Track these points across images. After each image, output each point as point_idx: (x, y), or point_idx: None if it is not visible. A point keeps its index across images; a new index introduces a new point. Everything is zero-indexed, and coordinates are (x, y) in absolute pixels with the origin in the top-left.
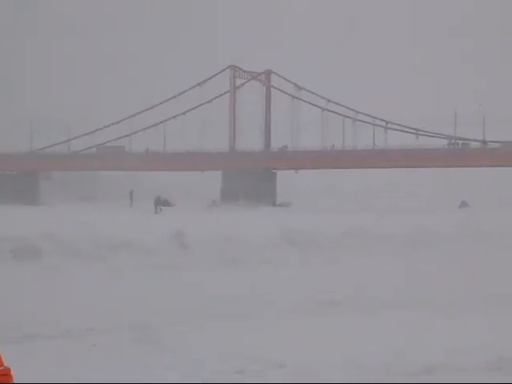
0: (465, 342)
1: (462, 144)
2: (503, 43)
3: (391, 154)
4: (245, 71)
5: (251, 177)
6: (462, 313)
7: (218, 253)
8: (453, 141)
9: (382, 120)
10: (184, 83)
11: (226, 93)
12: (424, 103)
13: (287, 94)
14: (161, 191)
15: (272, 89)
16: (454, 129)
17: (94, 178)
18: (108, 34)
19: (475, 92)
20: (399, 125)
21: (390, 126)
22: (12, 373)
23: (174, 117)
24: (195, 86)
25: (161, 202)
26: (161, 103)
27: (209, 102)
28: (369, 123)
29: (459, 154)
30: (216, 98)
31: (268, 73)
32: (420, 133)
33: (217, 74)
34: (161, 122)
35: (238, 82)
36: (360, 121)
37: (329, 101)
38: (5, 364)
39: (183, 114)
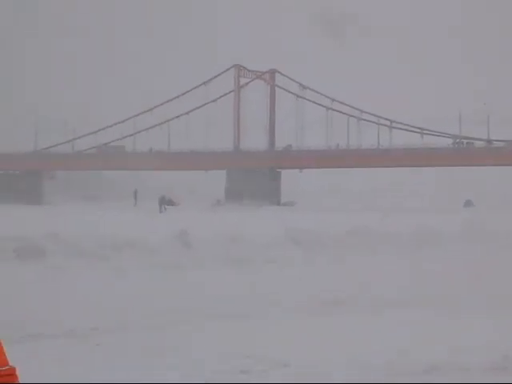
0: (469, 342)
1: (467, 143)
2: (504, 42)
3: (396, 153)
4: (249, 70)
5: (256, 176)
6: (466, 312)
7: (223, 252)
8: (457, 140)
9: (386, 119)
10: (184, 83)
11: (230, 92)
12: (427, 103)
13: (292, 93)
14: (165, 191)
15: (276, 88)
16: (459, 128)
17: (97, 178)
18: (108, 34)
19: (479, 91)
20: (404, 124)
21: (394, 125)
22: (17, 372)
23: (178, 116)
24: (200, 86)
25: (165, 202)
26: (165, 102)
27: (213, 101)
28: (373, 122)
29: (464, 153)
30: (220, 97)
31: (272, 72)
32: (425, 132)
33: (221, 74)
34: (165, 122)
35: (243, 81)
36: (364, 120)
37: (333, 100)
38: (10, 364)
39: (187, 113)
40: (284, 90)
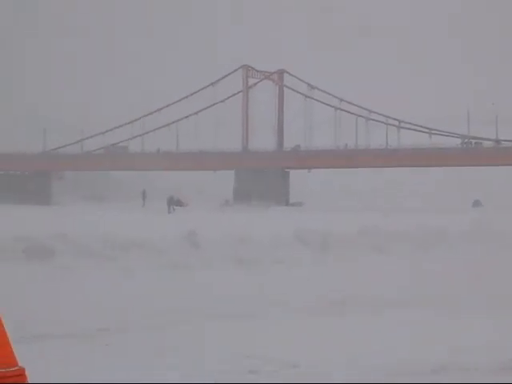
0: (481, 342)
1: (475, 143)
2: (509, 42)
3: (404, 153)
4: (257, 71)
5: (264, 176)
6: (477, 313)
7: (231, 252)
8: (466, 140)
9: (394, 119)
10: (184, 83)
11: (238, 92)
12: (433, 102)
13: (300, 93)
14: (173, 191)
15: (285, 88)
16: (468, 128)
17: (106, 178)
18: (108, 34)
19: (485, 91)
20: (412, 124)
21: (402, 125)
22: (26, 373)
23: (187, 116)
24: (208, 86)
25: (174, 202)
26: (173, 103)
27: (222, 101)
28: (382, 122)
29: (472, 153)
30: (229, 97)
31: (281, 72)
32: (433, 132)
33: (229, 74)
34: (173, 122)
35: (251, 81)
36: (373, 120)
37: (341, 100)
38: (19, 364)
39: (195, 113)
40: (292, 90)
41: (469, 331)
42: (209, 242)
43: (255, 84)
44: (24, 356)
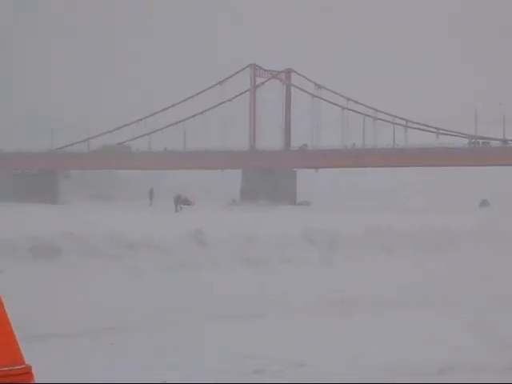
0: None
1: (483, 143)
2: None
3: (411, 152)
4: (265, 70)
5: (271, 176)
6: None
7: (238, 252)
8: (473, 140)
9: (402, 119)
10: (184, 83)
11: (246, 91)
12: (435, 103)
13: (307, 92)
14: (180, 190)
15: (292, 87)
16: (475, 127)
17: (112, 177)
18: (108, 34)
19: (488, 91)
20: (419, 123)
21: (410, 124)
22: (33, 371)
23: (194, 116)
24: (215, 85)
25: (181, 201)
26: (180, 102)
27: (229, 100)
28: (389, 122)
29: (480, 153)
30: (236, 96)
31: (288, 71)
32: (440, 132)
33: (237, 73)
34: (181, 121)
35: (258, 80)
36: (380, 119)
37: (348, 99)
38: (26, 362)
39: (201, 113)
40: (300, 89)
41: (475, 331)
42: (216, 241)
43: (262, 83)
44: (29, 354)
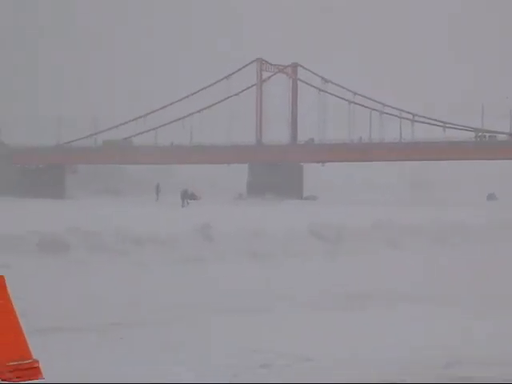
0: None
1: (489, 136)
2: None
3: (418, 146)
4: (271, 64)
5: (278, 170)
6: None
7: (245, 246)
8: (480, 133)
9: (408, 113)
10: (185, 83)
11: (252, 86)
12: (448, 98)
13: (314, 86)
14: (187, 185)
15: (298, 82)
16: (481, 121)
17: (119, 172)
18: (108, 34)
19: (499, 84)
20: (426, 117)
21: (416, 118)
22: (40, 365)
23: (200, 110)
24: (222, 80)
25: (188, 196)
26: (187, 96)
27: (236, 94)
28: (395, 116)
29: (487, 147)
30: (243, 91)
31: (294, 66)
32: (447, 125)
33: (243, 67)
34: (187, 116)
35: (265, 75)
36: (387, 113)
37: (355, 93)
38: (33, 357)
39: (208, 107)
40: (306, 83)
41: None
42: (222, 235)
43: (269, 77)
44: (36, 349)
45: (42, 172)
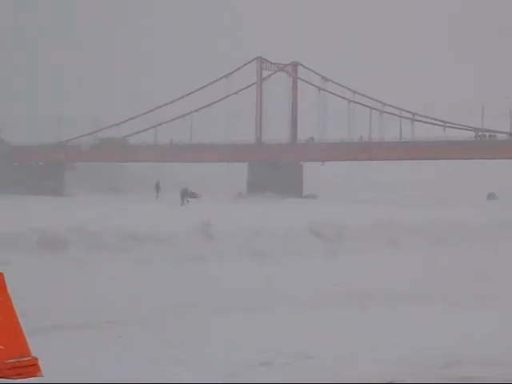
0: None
1: (489, 136)
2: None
3: (418, 146)
4: (271, 63)
5: (278, 169)
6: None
7: (245, 244)
8: (480, 133)
9: (408, 112)
10: (185, 83)
11: (252, 84)
12: (447, 97)
13: (314, 85)
14: (186, 183)
15: (299, 81)
16: (481, 121)
17: (119, 169)
18: (108, 35)
19: (499, 84)
20: (426, 117)
21: (416, 117)
22: (39, 363)
23: (200, 109)
24: (221, 78)
25: (188, 194)
26: (187, 94)
27: (235, 93)
28: (395, 115)
29: (487, 146)
30: (243, 89)
31: (295, 64)
32: (447, 125)
33: (243, 66)
34: (187, 114)
35: (265, 73)
36: (387, 113)
37: (355, 92)
38: (32, 354)
39: (208, 106)
40: (306, 82)
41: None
42: (222, 233)
43: (269, 76)
44: (35, 347)
45: (42, 169)
